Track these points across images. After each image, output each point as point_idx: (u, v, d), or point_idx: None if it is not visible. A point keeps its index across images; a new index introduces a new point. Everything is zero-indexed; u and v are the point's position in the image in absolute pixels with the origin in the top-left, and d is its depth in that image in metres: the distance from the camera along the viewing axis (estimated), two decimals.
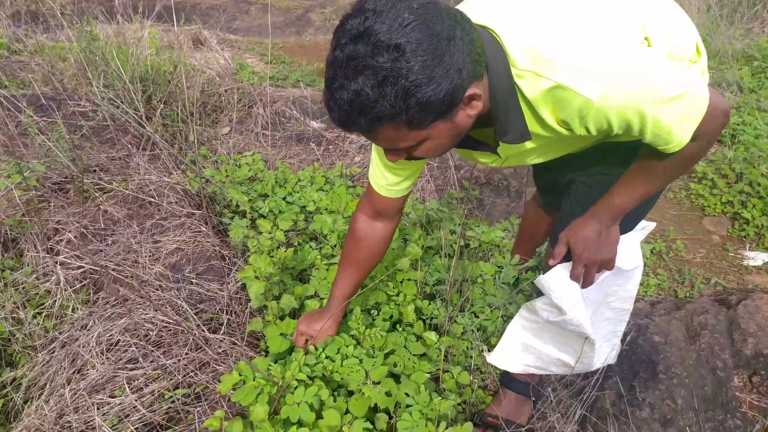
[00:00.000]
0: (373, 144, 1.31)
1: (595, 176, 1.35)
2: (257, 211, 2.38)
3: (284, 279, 1.91)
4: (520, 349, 1.60)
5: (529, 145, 1.15)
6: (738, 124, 3.37)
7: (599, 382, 1.73)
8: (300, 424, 1.37)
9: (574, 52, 0.95)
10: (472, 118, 1.00)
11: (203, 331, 1.68)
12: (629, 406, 1.74)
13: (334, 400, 1.47)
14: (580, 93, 0.93)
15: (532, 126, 1.07)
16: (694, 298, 2.28)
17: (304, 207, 2.45)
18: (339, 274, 1.58)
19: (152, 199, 2.18)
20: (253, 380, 1.41)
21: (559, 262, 1.36)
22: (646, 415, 1.73)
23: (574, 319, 1.37)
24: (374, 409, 1.52)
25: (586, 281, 1.34)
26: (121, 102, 2.89)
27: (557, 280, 1.35)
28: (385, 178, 1.37)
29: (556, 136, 1.08)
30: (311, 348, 1.58)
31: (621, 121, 0.98)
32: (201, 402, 1.57)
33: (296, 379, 1.44)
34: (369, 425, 1.42)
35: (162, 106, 3.08)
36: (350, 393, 1.54)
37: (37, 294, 1.80)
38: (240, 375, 1.43)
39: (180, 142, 2.96)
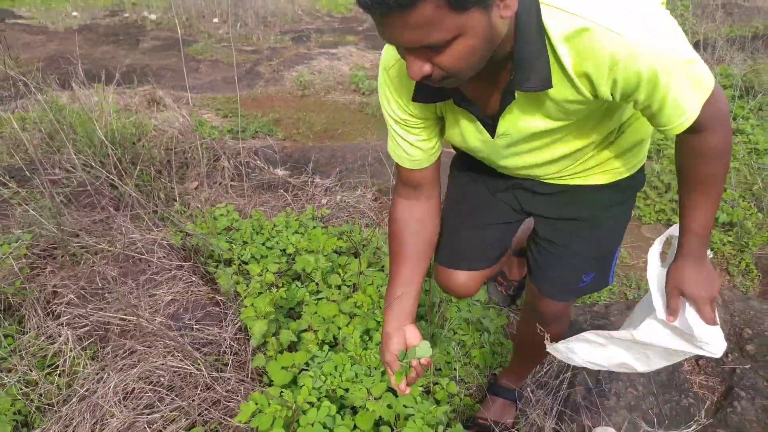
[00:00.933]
0: (390, 124, 1.26)
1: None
2: (240, 258, 2.54)
3: (278, 317, 2.07)
4: (588, 347, 1.40)
5: (537, 124, 1.11)
6: (662, 140, 3.76)
7: (569, 379, 1.96)
8: None
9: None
10: (504, 26, 0.93)
11: (211, 371, 1.82)
12: (598, 397, 1.97)
13: (342, 418, 1.64)
14: (615, 31, 0.90)
15: (554, 78, 1.01)
16: (641, 298, 2.56)
17: (284, 250, 2.62)
18: (394, 279, 1.42)
19: (142, 256, 2.32)
20: (269, 406, 1.57)
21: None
22: (613, 403, 1.97)
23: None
24: (377, 423, 1.69)
25: (706, 318, 1.21)
26: (93, 166, 3.02)
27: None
28: (408, 154, 1.29)
29: (571, 104, 1.04)
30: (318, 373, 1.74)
31: (650, 76, 0.93)
32: None
33: (307, 402, 1.61)
34: None
35: (132, 167, 3.21)
36: (353, 410, 1.71)
37: (46, 355, 1.90)
38: (256, 404, 1.58)
39: (154, 200, 3.09)
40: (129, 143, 3.47)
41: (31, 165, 3.30)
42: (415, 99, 1.17)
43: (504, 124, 1.13)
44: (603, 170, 1.32)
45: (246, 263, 2.54)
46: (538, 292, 1.57)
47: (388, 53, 1.19)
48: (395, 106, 1.22)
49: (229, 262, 2.52)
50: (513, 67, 1.00)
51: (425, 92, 1.15)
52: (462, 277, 1.60)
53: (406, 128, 1.25)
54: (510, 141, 1.18)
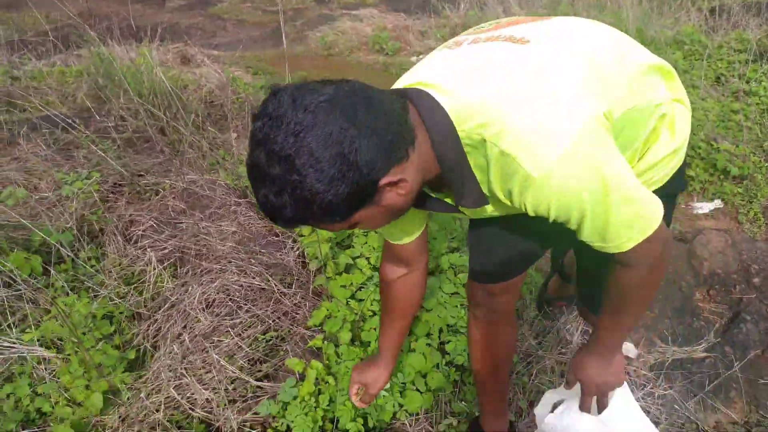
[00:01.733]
0: None
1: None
2: None
3: (332, 247, 2.31)
4: None
5: (489, 209, 1.05)
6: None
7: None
8: None
9: (524, 115, 0.86)
10: (408, 195, 0.92)
11: (280, 288, 2.07)
12: None
13: None
14: (522, 166, 0.85)
15: (487, 190, 0.98)
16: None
17: None
18: (383, 326, 1.49)
19: (205, 192, 2.55)
20: (338, 312, 1.82)
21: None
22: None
23: None
24: (428, 333, 1.94)
25: (600, 408, 1.27)
26: (149, 113, 3.23)
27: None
28: (390, 233, 1.29)
29: (515, 208, 0.96)
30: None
31: (561, 206, 0.89)
32: (286, 342, 1.96)
33: (370, 310, 1.85)
34: (428, 340, 1.85)
35: (177, 119, 3.43)
36: None
37: (133, 272, 2.15)
38: (327, 311, 1.83)
39: (202, 149, 3.31)
40: (174, 96, 3.66)
41: (82, 113, 3.52)
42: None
43: (468, 212, 1.11)
44: None
45: None
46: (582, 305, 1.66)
47: None
48: None
49: None
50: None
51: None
52: None
53: (390, 231, 1.27)
54: (483, 215, 1.12)
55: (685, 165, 1.23)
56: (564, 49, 0.97)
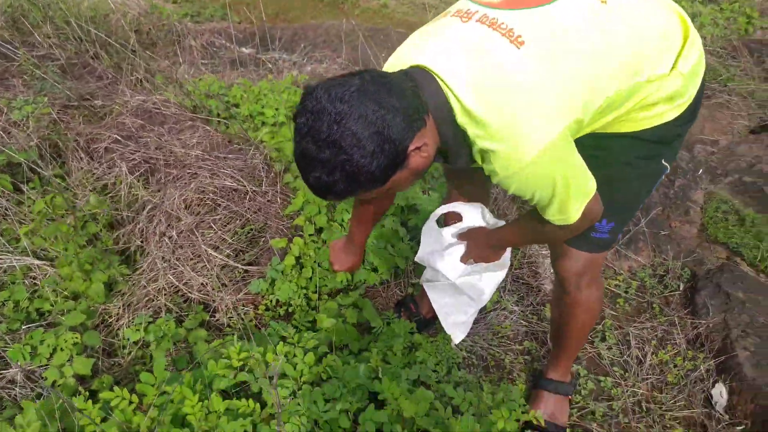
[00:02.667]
0: None
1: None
2: (235, 117, 2.88)
3: None
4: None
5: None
6: None
7: None
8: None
9: (508, 122, 1.04)
10: (429, 156, 1.08)
11: (251, 187, 2.24)
12: None
13: None
14: (512, 158, 1.06)
15: (472, 160, 1.18)
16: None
17: (277, 108, 2.98)
18: (355, 221, 1.62)
19: (159, 110, 2.62)
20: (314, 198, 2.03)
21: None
22: None
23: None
24: (393, 213, 2.19)
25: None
26: (79, 39, 3.18)
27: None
28: None
29: None
30: None
31: (540, 189, 1.11)
32: (265, 232, 2.16)
33: None
34: (394, 218, 2.10)
35: (108, 44, 3.38)
36: None
37: (105, 185, 2.24)
38: (303, 196, 2.04)
39: (143, 71, 3.31)
40: (98, 23, 3.59)
41: (5, 45, 3.39)
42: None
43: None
44: (621, 121, 1.24)
45: (239, 120, 2.90)
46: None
47: None
48: None
49: (227, 119, 2.87)
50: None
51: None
52: None
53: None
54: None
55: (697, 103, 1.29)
56: (555, 54, 1.08)
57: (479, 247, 1.57)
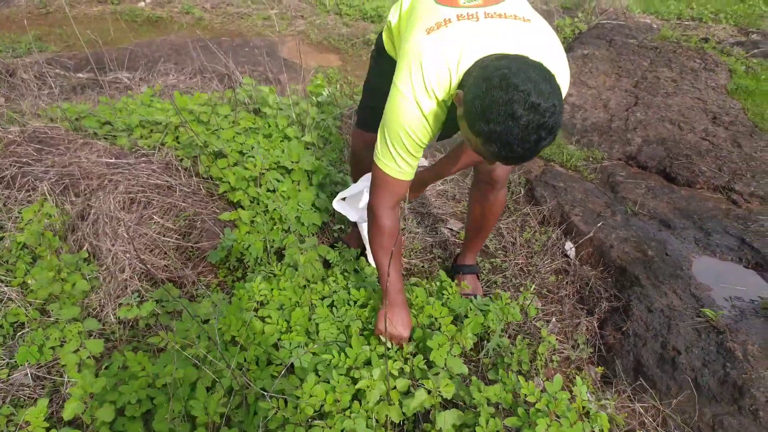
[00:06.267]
0: (392, 146, 1.54)
1: None
2: (124, 130, 3.03)
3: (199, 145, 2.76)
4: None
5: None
6: None
7: None
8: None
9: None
10: None
11: (172, 180, 2.50)
12: None
13: (283, 177, 2.52)
14: None
15: None
16: None
17: (147, 119, 3.18)
18: (393, 269, 1.73)
19: (46, 134, 2.70)
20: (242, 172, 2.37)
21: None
22: None
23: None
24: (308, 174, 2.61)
25: None
26: None
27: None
28: (411, 165, 1.60)
29: None
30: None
31: None
32: (197, 216, 2.44)
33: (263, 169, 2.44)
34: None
35: None
36: (288, 170, 2.60)
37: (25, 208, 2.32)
38: (233, 174, 2.37)
39: None
40: None
41: None
42: (443, 137, 1.77)
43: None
44: None
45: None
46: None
47: (423, 98, 1.45)
48: (425, 137, 1.53)
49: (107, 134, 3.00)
50: None
51: (450, 130, 1.69)
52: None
53: (418, 150, 1.57)
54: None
55: None
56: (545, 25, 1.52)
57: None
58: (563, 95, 1.30)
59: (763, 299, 2.22)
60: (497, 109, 1.18)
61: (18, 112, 3.34)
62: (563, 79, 1.42)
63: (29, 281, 2.05)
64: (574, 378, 1.94)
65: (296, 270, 2.02)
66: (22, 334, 1.90)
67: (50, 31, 4.93)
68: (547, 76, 1.21)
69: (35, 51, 4.44)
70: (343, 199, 2.17)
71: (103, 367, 1.75)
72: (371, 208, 1.72)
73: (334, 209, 2.21)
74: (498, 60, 1.25)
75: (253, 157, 2.53)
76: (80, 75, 4.10)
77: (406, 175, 1.61)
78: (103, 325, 2.01)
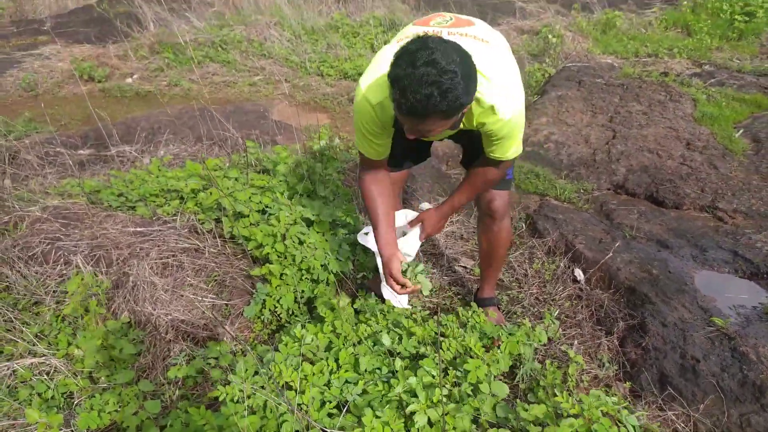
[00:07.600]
0: (365, 134, 1.84)
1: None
2: (143, 201, 3.13)
3: (221, 207, 2.88)
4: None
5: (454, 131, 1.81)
6: None
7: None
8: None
9: (499, 91, 1.61)
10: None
11: (199, 242, 2.61)
12: None
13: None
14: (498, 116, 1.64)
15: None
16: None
17: (163, 188, 3.30)
18: (383, 225, 2.01)
19: (69, 209, 2.80)
20: (269, 228, 2.50)
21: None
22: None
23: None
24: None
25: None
26: None
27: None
28: (378, 146, 1.88)
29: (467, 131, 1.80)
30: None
31: (507, 133, 1.71)
32: (229, 274, 2.55)
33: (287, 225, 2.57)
34: None
35: None
36: None
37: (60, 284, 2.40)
38: (260, 231, 2.49)
39: None
40: None
41: None
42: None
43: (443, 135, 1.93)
44: None
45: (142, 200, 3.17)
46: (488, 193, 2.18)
47: (372, 92, 1.72)
48: (374, 127, 1.81)
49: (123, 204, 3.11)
50: None
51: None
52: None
53: (376, 136, 1.85)
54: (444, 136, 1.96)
55: None
56: (506, 51, 1.82)
57: (432, 222, 2.11)
58: (508, 105, 1.61)
59: (765, 305, 2.39)
60: (405, 58, 1.34)
61: (31, 191, 3.43)
62: (511, 92, 1.66)
63: (73, 352, 2.12)
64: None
65: (333, 311, 2.14)
66: (79, 402, 1.95)
67: (42, 112, 5.05)
68: (462, 53, 1.38)
69: (31, 133, 4.55)
70: (366, 234, 2.30)
71: (167, 425, 1.81)
72: (360, 181, 2.04)
73: (358, 243, 2.39)
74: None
75: (274, 214, 2.66)
76: (81, 152, 4.21)
77: (376, 154, 1.92)
78: (156, 386, 2.07)
